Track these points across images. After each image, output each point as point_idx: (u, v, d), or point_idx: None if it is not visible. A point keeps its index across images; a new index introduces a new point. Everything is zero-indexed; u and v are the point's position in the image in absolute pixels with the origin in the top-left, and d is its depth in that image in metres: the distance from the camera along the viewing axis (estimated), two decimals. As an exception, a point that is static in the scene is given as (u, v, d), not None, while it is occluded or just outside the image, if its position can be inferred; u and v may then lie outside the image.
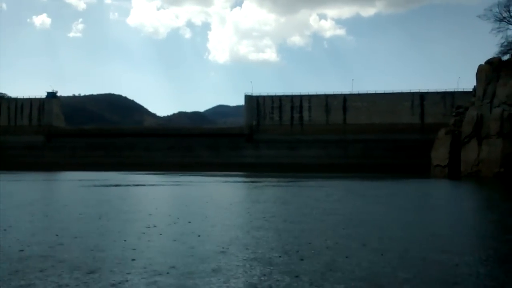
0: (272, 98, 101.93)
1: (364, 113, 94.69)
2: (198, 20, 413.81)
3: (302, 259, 7.47)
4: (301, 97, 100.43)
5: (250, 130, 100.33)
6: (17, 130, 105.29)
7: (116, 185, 28.34)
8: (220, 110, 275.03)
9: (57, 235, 9.44)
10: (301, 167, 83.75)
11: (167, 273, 6.47)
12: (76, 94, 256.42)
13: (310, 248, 8.45)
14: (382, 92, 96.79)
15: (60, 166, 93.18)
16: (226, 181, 37.93)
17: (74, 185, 28.94)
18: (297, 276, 6.32)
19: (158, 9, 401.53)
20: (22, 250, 8.03)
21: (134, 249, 8.16)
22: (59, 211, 13.51)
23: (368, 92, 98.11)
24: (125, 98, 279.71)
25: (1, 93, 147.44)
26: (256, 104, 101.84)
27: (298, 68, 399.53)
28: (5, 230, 10.10)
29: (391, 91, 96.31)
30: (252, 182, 37.72)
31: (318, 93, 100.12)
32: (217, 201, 17.75)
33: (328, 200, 19.44)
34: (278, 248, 8.49)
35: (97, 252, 7.93)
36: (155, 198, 19.39)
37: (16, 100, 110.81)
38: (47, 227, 10.45)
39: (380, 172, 74.26)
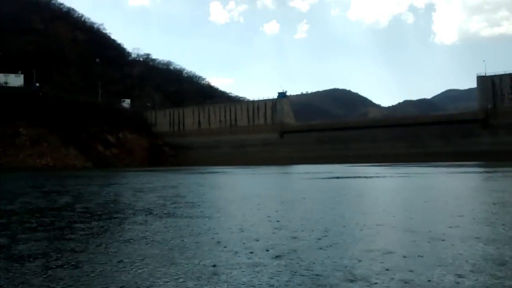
0: (511, 76, 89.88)
1: None
2: (420, 3, 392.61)
3: None
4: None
5: (485, 114, 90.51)
6: (255, 129, 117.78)
7: (337, 178, 29.24)
8: (449, 95, 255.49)
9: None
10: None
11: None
12: (304, 92, 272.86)
13: None
14: None
15: (292, 160, 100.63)
16: (457, 172, 35.20)
17: (300, 177, 31.10)
18: None
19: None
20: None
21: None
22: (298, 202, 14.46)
23: None
24: (349, 91, 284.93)
25: (241, 97, 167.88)
26: (491, 85, 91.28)
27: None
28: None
29: None
30: (487, 172, 34.08)
31: None
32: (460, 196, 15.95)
33: None
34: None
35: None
36: (384, 190, 19.17)
37: (253, 102, 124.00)
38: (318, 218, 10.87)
39: None
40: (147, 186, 22.06)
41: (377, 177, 29.52)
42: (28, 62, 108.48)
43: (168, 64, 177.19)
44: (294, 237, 7.08)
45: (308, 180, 27.00)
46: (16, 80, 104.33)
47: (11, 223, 9.48)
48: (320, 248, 6.18)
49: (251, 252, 5.94)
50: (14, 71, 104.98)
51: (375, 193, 17.25)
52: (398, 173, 34.76)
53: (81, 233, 7.85)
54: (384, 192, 18.18)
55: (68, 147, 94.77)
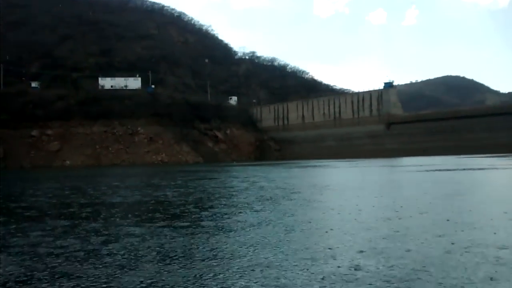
0: None
1: None
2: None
3: None
4: None
5: None
6: (360, 121, 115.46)
7: (445, 170, 28.01)
8: None
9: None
10: None
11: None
12: (413, 81, 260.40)
13: None
14: None
15: (399, 152, 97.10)
16: None
17: (402, 170, 30.30)
18: None
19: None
20: None
21: None
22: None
23: None
24: (463, 78, 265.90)
25: (346, 90, 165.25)
26: None
27: None
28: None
29: None
30: None
31: None
32: None
33: None
34: None
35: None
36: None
37: (357, 94, 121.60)
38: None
39: None
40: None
41: (492, 168, 27.80)
42: (144, 66, 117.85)
43: (272, 60, 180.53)
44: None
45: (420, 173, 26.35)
46: (134, 83, 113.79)
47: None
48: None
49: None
50: (133, 75, 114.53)
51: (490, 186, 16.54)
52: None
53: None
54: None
55: (180, 144, 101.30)
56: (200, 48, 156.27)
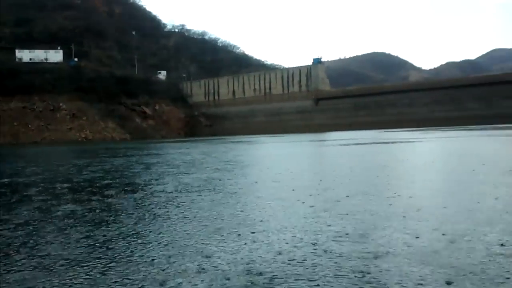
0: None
1: None
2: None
3: None
4: None
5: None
6: (290, 97, 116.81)
7: (358, 144, 28.69)
8: (495, 55, 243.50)
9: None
10: None
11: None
12: (341, 57, 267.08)
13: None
14: None
15: (327, 127, 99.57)
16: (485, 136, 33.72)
17: (322, 145, 30.67)
18: None
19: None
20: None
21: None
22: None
23: None
24: (389, 55, 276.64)
25: (277, 65, 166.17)
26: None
27: None
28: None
29: None
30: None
31: None
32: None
33: None
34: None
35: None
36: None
37: (287, 70, 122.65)
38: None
39: None
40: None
41: (405, 142, 28.74)
42: (67, 38, 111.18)
43: (203, 34, 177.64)
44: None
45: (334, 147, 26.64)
46: (55, 56, 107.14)
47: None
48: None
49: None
50: (54, 47, 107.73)
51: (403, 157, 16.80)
52: (432, 137, 33.71)
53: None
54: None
55: (106, 120, 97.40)
56: (126, 20, 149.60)
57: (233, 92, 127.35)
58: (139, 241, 4.60)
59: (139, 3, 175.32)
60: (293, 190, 7.92)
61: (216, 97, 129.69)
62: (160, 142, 55.92)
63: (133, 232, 5.03)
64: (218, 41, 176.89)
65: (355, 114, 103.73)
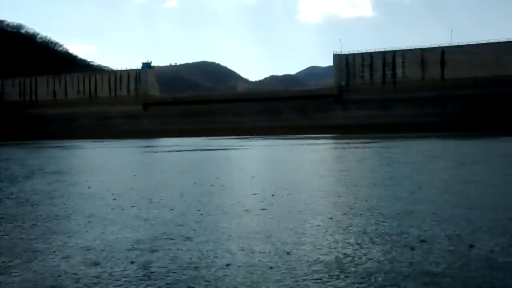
0: (362, 55, 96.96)
1: (465, 67, 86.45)
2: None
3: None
4: (394, 53, 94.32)
5: (339, 90, 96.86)
6: (118, 100, 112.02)
7: (182, 151, 28.47)
8: (312, 72, 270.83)
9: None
10: (394, 127, 79.63)
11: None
12: (172, 63, 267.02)
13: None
14: (486, 42, 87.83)
15: (157, 133, 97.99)
16: (303, 144, 36.64)
17: (137, 151, 29.65)
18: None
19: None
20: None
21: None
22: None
23: (470, 43, 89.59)
24: (218, 65, 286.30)
25: (104, 67, 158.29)
26: (345, 63, 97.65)
27: (394, 22, 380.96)
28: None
29: (496, 40, 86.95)
30: (335, 144, 35.98)
31: (413, 47, 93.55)
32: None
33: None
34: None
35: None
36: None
37: (115, 72, 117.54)
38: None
39: (483, 130, 68.55)
40: None
41: (225, 149, 29.29)
42: None
43: (18, 27, 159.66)
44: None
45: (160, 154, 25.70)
46: None
47: None
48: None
49: None
50: None
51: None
52: (252, 145, 35.09)
53: None
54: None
55: None
56: None
57: (54, 93, 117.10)
58: None
59: None
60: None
61: (34, 98, 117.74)
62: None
63: None
64: (37, 37, 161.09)
65: (184, 121, 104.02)
